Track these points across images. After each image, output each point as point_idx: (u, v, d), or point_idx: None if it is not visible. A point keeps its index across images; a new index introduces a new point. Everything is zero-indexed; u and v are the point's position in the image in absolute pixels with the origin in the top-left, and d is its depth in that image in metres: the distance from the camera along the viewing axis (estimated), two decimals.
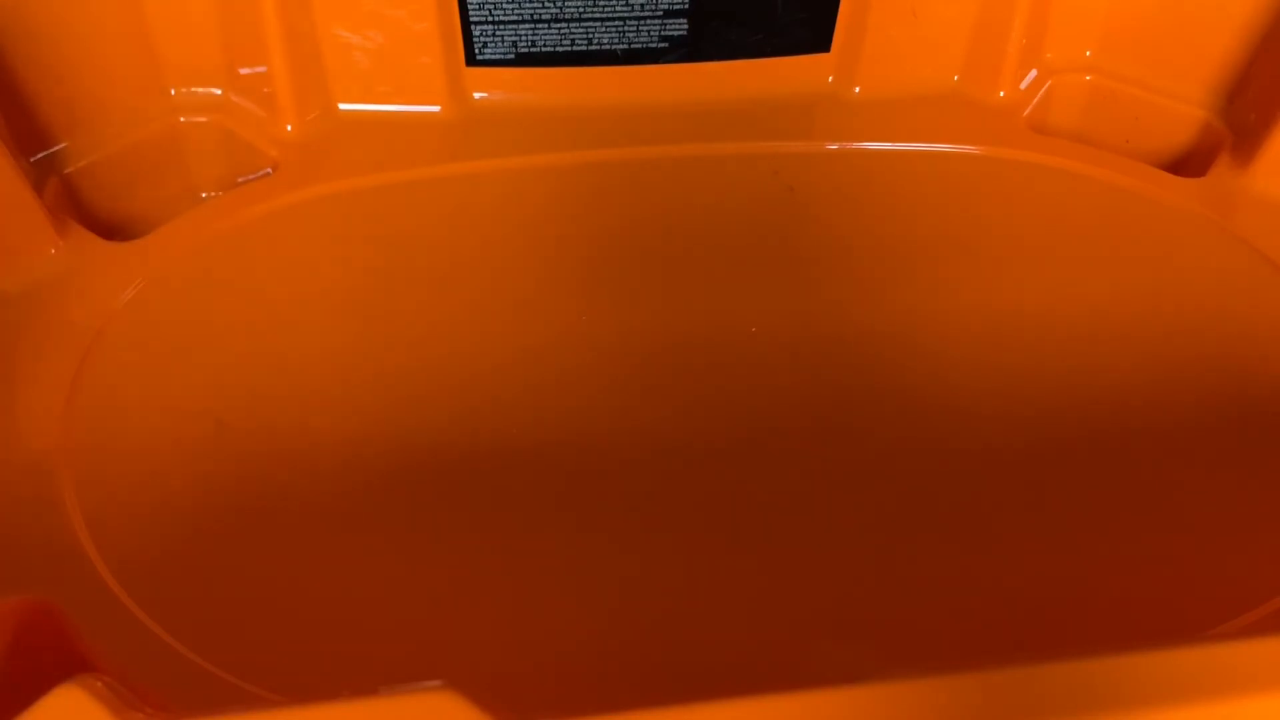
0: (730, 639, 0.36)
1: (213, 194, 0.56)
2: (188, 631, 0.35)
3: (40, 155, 0.51)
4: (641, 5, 0.54)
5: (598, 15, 0.55)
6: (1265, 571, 0.38)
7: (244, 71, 0.54)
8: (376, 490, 0.40)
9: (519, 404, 0.43)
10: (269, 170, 0.55)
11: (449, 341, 0.46)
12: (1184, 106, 0.57)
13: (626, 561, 0.38)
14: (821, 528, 0.40)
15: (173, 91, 0.55)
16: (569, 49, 0.55)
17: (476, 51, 0.55)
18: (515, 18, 0.54)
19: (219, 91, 0.55)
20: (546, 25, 0.55)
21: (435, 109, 0.56)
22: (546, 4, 0.54)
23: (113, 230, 0.52)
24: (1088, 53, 0.59)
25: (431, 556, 0.38)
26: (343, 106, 0.55)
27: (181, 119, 0.55)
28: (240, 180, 0.56)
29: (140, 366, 0.44)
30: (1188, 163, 0.58)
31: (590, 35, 0.55)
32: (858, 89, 0.58)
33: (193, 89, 0.55)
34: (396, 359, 0.45)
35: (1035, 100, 0.59)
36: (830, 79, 0.58)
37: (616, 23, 0.55)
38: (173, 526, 0.39)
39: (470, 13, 0.54)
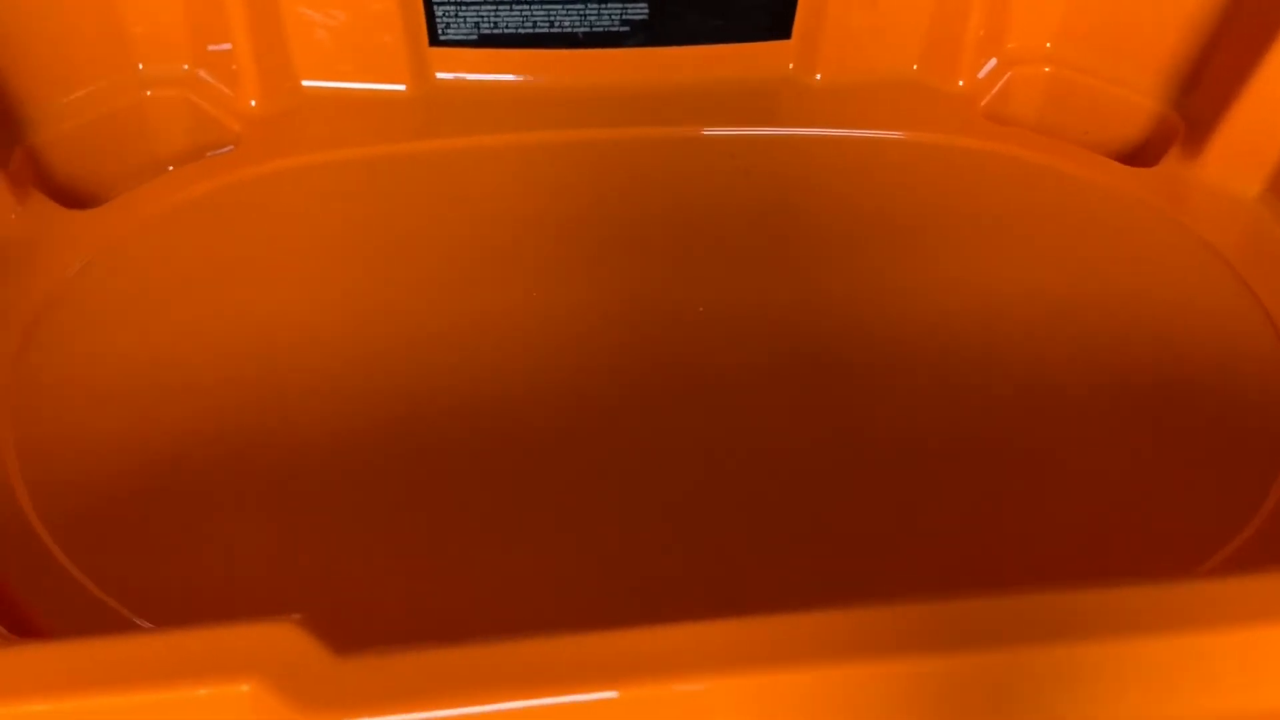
0: (713, 601, 0.37)
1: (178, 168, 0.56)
2: (134, 598, 0.36)
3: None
4: None
5: None
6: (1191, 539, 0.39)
7: (211, 48, 0.55)
8: (333, 460, 0.41)
9: (480, 377, 0.44)
10: (234, 145, 0.55)
11: (406, 316, 0.46)
12: (1142, 98, 0.58)
13: (603, 533, 0.39)
14: (791, 493, 0.41)
15: (140, 66, 0.55)
16: (531, 31, 0.56)
17: (439, 31, 0.56)
18: None
19: (186, 67, 0.56)
20: (509, 7, 0.55)
21: (399, 88, 0.56)
22: None
23: (78, 201, 0.53)
24: (1048, 43, 0.59)
25: (393, 528, 0.39)
26: (306, 83, 0.56)
27: (148, 93, 0.56)
28: (207, 155, 0.56)
29: (90, 334, 0.45)
30: (1144, 154, 0.58)
31: (552, 17, 0.56)
32: (818, 76, 0.59)
33: (160, 64, 0.56)
34: (354, 331, 0.45)
35: (995, 90, 0.59)
36: (791, 66, 0.59)
37: (578, 5, 0.55)
38: (115, 493, 0.39)
39: None
